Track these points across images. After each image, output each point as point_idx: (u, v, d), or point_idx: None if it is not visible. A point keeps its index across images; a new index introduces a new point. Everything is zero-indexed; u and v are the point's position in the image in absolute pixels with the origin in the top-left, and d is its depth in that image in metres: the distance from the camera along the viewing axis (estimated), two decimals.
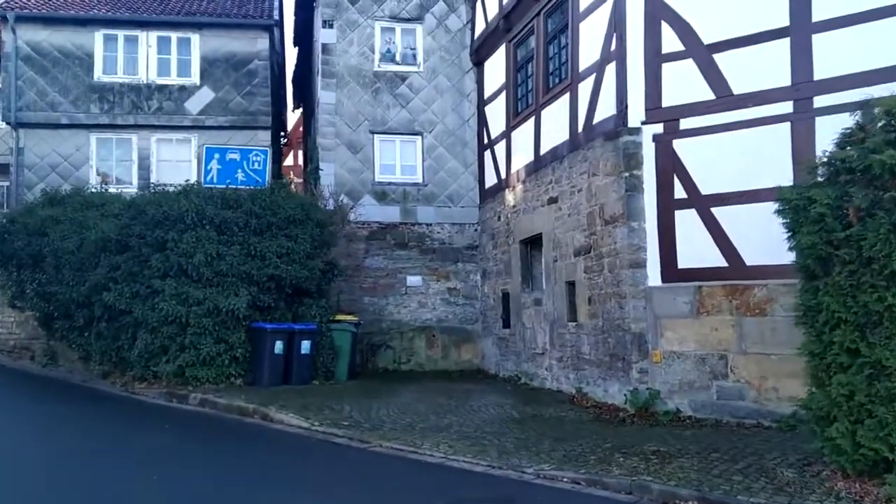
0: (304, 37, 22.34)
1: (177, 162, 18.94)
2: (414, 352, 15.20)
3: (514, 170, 13.60)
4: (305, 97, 24.90)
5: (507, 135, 14.01)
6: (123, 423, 9.08)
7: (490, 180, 15.01)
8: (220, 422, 9.43)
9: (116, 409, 10.02)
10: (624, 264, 9.62)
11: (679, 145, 9.31)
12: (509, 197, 13.78)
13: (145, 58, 18.51)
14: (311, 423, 8.96)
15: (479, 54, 15.49)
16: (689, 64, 9.27)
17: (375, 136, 15.63)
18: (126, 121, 18.44)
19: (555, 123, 11.82)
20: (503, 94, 14.26)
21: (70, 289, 12.09)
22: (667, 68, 9.45)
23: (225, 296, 11.10)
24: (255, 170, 12.22)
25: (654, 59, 9.53)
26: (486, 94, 15.32)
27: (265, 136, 19.14)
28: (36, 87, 18.06)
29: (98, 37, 18.31)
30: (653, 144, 9.51)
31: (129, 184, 17.51)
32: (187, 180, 13.17)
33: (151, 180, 18.41)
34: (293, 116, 28.38)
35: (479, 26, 15.37)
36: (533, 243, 13.05)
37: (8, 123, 18.08)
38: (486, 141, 15.30)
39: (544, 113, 12.26)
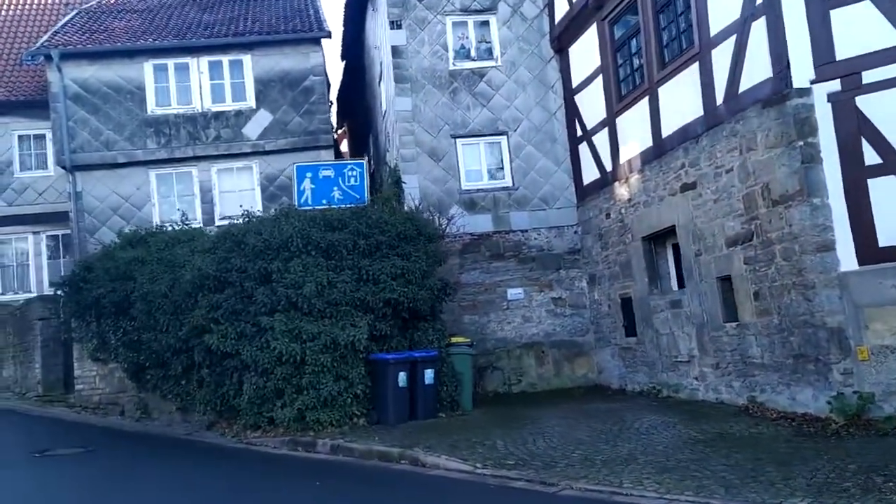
0: (352, 49, 21.41)
1: (239, 192, 18.00)
2: (523, 371, 13.97)
3: (623, 160, 12.38)
4: (353, 114, 23.93)
5: (609, 123, 12.81)
6: (262, 481, 7.94)
7: (589, 176, 13.79)
8: (364, 472, 8.27)
9: (242, 465, 8.90)
10: (806, 249, 8.34)
11: (864, 102, 8.04)
12: (621, 191, 12.55)
13: (198, 85, 17.60)
14: (473, 466, 7.78)
15: (562, 40, 14.33)
16: (866, 6, 8.03)
17: (458, 140, 14.50)
18: (185, 153, 17.53)
19: (679, 100, 10.60)
20: (599, 79, 13.08)
21: (165, 335, 11.06)
22: (837, 15, 8.21)
23: (341, 327, 9.97)
24: (353, 186, 11.15)
25: (819, 5, 8.30)
26: (575, 82, 14.14)
27: (328, 156, 18.10)
28: (88, 126, 17.21)
29: (147, 68, 17.45)
30: (828, 105, 8.26)
31: (194, 220, 16.52)
32: (247, 209, 12.01)
33: (216, 214, 17.54)
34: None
35: (560, 10, 14.21)
36: (657, 239, 11.81)
37: (63, 167, 17.24)
38: (579, 134, 14.11)
39: (662, 91, 11.05)
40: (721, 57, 9.63)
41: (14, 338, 16.71)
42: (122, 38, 17.80)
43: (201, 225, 15.94)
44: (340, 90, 24.48)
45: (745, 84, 9.24)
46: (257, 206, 17.76)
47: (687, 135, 10.46)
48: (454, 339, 11.61)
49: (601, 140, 13.19)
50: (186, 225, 13.53)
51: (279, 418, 10.02)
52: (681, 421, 9.24)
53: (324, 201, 11.10)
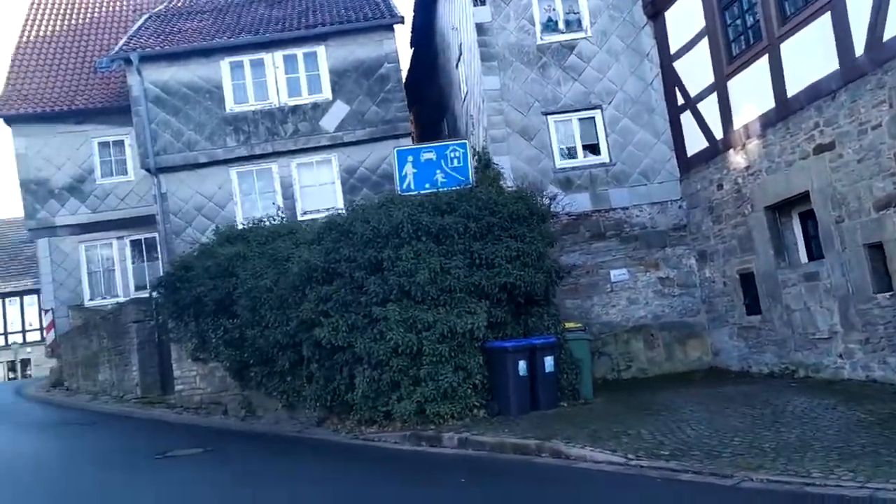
0: (421, 35, 20.94)
1: (319, 186, 17.75)
2: (632, 356, 13.29)
3: (738, 126, 11.56)
4: (420, 102, 23.47)
5: (718, 87, 12.00)
6: (401, 479, 7.52)
7: (695, 145, 12.99)
8: (504, 466, 7.75)
9: (372, 462, 8.48)
10: None
11: None
12: (736, 159, 11.74)
13: (274, 80, 17.37)
14: (625, 457, 7.19)
15: (656, 5, 13.54)
16: None
17: (549, 117, 13.87)
18: (264, 149, 17.33)
19: (807, 56, 9.76)
20: (703, 42, 12.27)
21: (271, 330, 10.75)
22: None
23: (457, 315, 9.48)
24: (457, 167, 10.60)
25: None
26: (673, 48, 13.34)
27: (407, 144, 17.70)
28: (170, 128, 17.14)
29: (224, 66, 17.29)
30: None
31: (272, 217, 16.32)
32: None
33: (297, 209, 17.29)
34: None
35: None
36: (781, 208, 10.98)
37: (147, 170, 17.22)
38: (680, 102, 13.31)
39: (784, 47, 10.21)
40: (858, 4, 8.78)
41: (108, 341, 16.77)
42: (195, 38, 17.67)
43: (284, 221, 15.66)
44: (407, 78, 24.06)
45: (892, 31, 8.38)
46: (338, 200, 17.53)
47: (819, 92, 9.62)
48: (568, 325, 11.02)
49: (708, 107, 12.38)
50: (281, 219, 13.20)
51: (397, 412, 9.59)
52: (839, 402, 8.47)
53: (427, 185, 10.62)
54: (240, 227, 14.49)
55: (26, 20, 23.22)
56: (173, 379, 14.12)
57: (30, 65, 21.60)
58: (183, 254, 13.74)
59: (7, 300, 45.15)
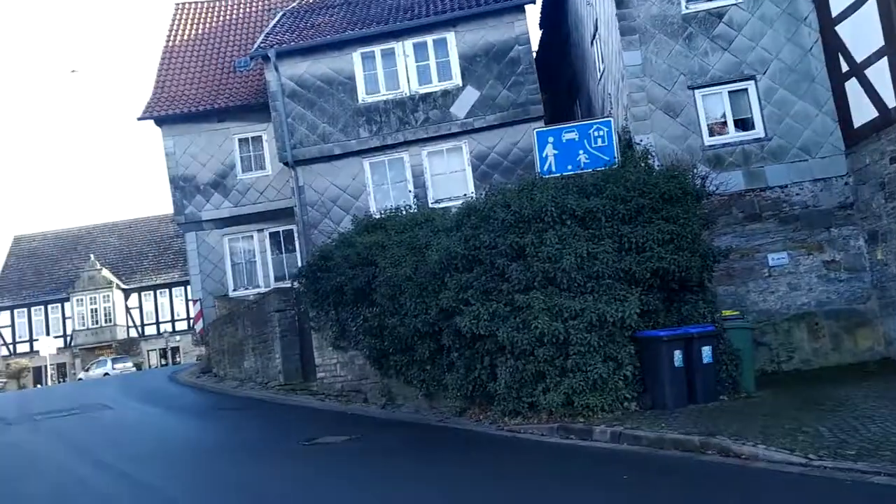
0: (551, 16, 20.34)
1: (450, 173, 17.61)
2: (794, 346, 12.21)
3: None
4: (549, 84, 22.81)
5: (890, 50, 10.73)
6: (553, 476, 7.13)
7: (863, 116, 11.73)
8: (666, 463, 7.21)
9: (522, 456, 8.15)
10: None
11: None
12: None
13: (404, 69, 17.36)
14: (805, 457, 6.48)
15: None
16: None
17: (696, 91, 12.96)
18: (396, 139, 17.39)
19: None
20: (871, 2, 11.03)
21: (411, 319, 10.64)
22: None
23: (606, 302, 8.97)
24: (601, 147, 10.06)
25: None
26: (835, 10, 12.10)
27: (540, 127, 17.21)
28: (305, 121, 17.52)
29: (356, 57, 17.46)
30: None
31: (408, 206, 16.29)
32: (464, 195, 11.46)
33: (428, 198, 17.23)
34: None
35: None
36: None
37: (285, 164, 17.69)
38: (844, 69, 12.07)
39: None
40: None
41: (252, 330, 17.39)
42: (328, 32, 17.96)
43: (415, 210, 15.58)
44: (536, 60, 23.47)
45: None
46: (469, 187, 17.31)
47: None
48: (726, 313, 10.23)
49: (878, 73, 11.13)
50: (416, 207, 13.10)
51: (543, 404, 9.21)
52: None
53: (569, 167, 10.14)
54: (375, 217, 14.56)
55: (170, 27, 24.52)
56: (314, 367, 14.41)
57: (175, 68, 22.78)
58: (322, 244, 13.92)
59: (158, 292, 48.46)
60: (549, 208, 9.17)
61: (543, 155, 10.31)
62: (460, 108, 17.16)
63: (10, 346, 47.66)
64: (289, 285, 18.40)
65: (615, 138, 10.24)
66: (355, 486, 7.20)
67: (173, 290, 47.98)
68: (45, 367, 43.67)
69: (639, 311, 8.98)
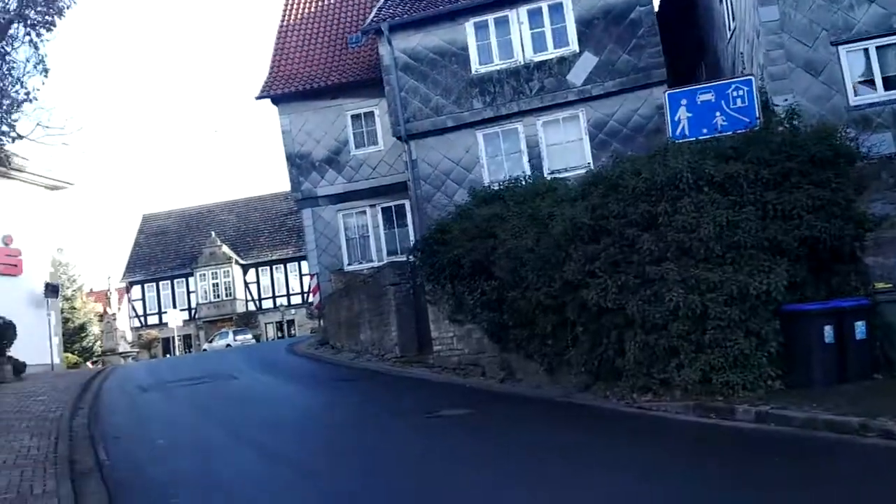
0: None
1: (566, 143, 17.12)
2: None
3: None
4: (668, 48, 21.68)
5: None
6: (703, 456, 6.72)
7: None
8: (822, 446, 6.64)
9: (662, 435, 7.74)
10: None
11: None
12: None
13: (518, 37, 16.94)
14: None
15: None
16: None
17: (840, 47, 11.95)
18: (510, 109, 17.05)
19: None
20: None
21: (533, 292, 10.36)
22: None
23: (748, 274, 8.36)
24: (740, 108, 9.37)
25: None
26: None
27: (661, 93, 16.37)
28: (418, 94, 17.44)
29: (469, 27, 17.19)
30: None
31: (527, 176, 15.91)
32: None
33: (544, 169, 16.81)
34: None
35: None
36: None
37: (398, 138, 17.71)
38: None
39: None
40: None
41: (368, 303, 17.60)
42: (441, 3, 17.74)
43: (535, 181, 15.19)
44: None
45: None
46: (586, 157, 16.76)
47: None
48: (878, 285, 9.35)
49: None
50: (534, 178, 12.75)
51: (676, 380, 8.72)
52: None
53: (704, 130, 9.51)
54: (493, 188, 14.30)
55: (285, 7, 24.99)
56: (430, 340, 14.42)
57: (289, 47, 23.23)
58: (439, 217, 13.82)
59: (274, 267, 50.36)
60: (684, 174, 8.61)
61: (675, 118, 9.70)
62: (577, 75, 16.60)
63: (142, 318, 50.91)
64: (402, 259, 18.52)
65: (756, 98, 9.49)
66: (488, 462, 7.04)
67: (288, 265, 49.76)
68: (173, 338, 46.36)
69: (786, 284, 8.32)
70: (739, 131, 9.22)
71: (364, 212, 21.75)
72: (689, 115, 9.61)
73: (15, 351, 19.95)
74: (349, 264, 21.66)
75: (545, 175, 16.30)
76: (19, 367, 20.06)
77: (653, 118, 16.26)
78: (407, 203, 21.40)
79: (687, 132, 9.63)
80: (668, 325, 8.69)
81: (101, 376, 19.19)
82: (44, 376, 20.70)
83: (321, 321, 23.03)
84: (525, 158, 16.93)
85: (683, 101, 9.73)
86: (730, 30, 14.73)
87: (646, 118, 16.25)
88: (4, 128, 10.23)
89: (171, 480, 7.35)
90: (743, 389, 8.42)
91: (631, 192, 9.07)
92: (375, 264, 21.26)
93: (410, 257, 14.57)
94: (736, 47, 14.45)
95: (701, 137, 9.43)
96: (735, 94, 9.38)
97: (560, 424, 8.66)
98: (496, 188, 12.86)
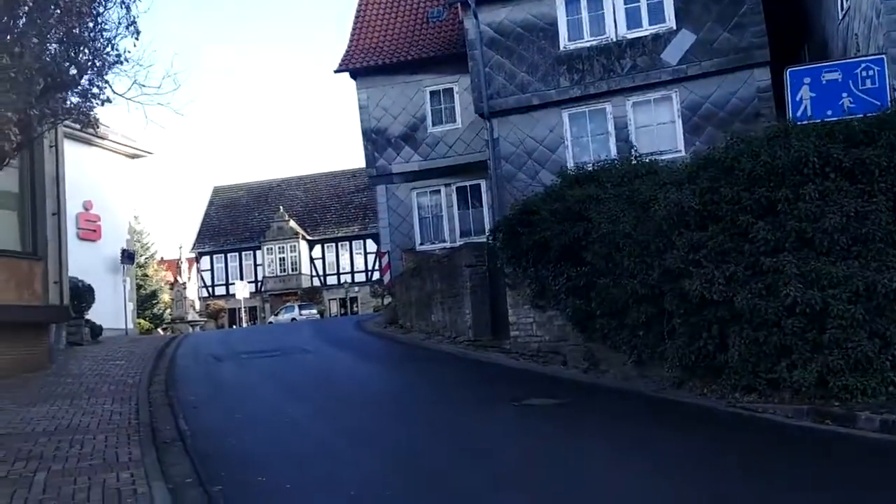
0: None
1: (657, 126, 16.33)
2: None
3: None
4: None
5: None
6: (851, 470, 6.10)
7: None
8: None
9: (782, 443, 7.09)
10: None
11: None
12: None
13: (611, 12, 16.18)
14: None
15: None
16: None
17: None
18: (598, 88, 16.34)
19: None
20: None
21: (629, 280, 9.77)
22: None
23: (875, 270, 7.63)
24: (869, 89, 8.57)
25: None
26: None
27: (762, 75, 15.48)
28: (503, 70, 16.88)
29: (559, 1, 16.51)
30: None
31: (626, 157, 15.17)
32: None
33: (632, 152, 16.07)
34: None
35: None
36: None
37: (481, 115, 17.21)
38: None
39: None
40: None
41: (441, 284, 17.26)
42: None
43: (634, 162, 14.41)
44: None
45: None
46: (678, 141, 15.97)
47: None
48: None
49: None
50: (638, 158, 12.07)
51: (787, 381, 8.06)
52: None
53: (829, 112, 8.73)
54: (585, 169, 13.70)
55: None
56: (507, 324, 14.00)
57: (369, 20, 22.92)
58: (523, 198, 13.30)
59: (339, 244, 50.69)
60: (811, 158, 7.88)
61: (797, 98, 8.94)
62: (672, 54, 15.77)
63: (209, 289, 52.03)
64: (476, 240, 18.11)
65: (887, 79, 8.65)
66: (616, 460, 6.55)
67: (353, 243, 50.02)
68: (239, 309, 47.20)
69: None
70: (870, 114, 8.40)
71: (438, 191, 21.39)
72: (813, 94, 8.84)
73: (92, 315, 20.42)
74: (421, 244, 21.36)
75: (633, 160, 15.61)
76: (96, 331, 20.54)
77: (752, 101, 15.36)
78: (483, 183, 20.96)
79: (810, 113, 8.87)
80: (782, 321, 8.02)
81: (174, 344, 19.42)
82: (119, 340, 21.14)
83: (391, 300, 22.82)
84: (612, 140, 16.23)
85: (807, 80, 8.95)
86: (842, 10, 13.68)
87: (745, 101, 15.34)
88: (94, 90, 10.10)
89: (253, 455, 7.14)
90: (862, 395, 7.72)
91: (747, 175, 8.38)
92: (447, 245, 20.92)
93: (490, 239, 14.10)
94: (849, 28, 13.40)
95: (826, 119, 8.65)
96: (864, 74, 8.58)
97: (665, 423, 8.06)
98: (589, 169, 12.24)
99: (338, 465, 6.58)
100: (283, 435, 8.00)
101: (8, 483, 6.04)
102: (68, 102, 10.15)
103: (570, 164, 16.27)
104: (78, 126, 11.88)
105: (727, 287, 8.51)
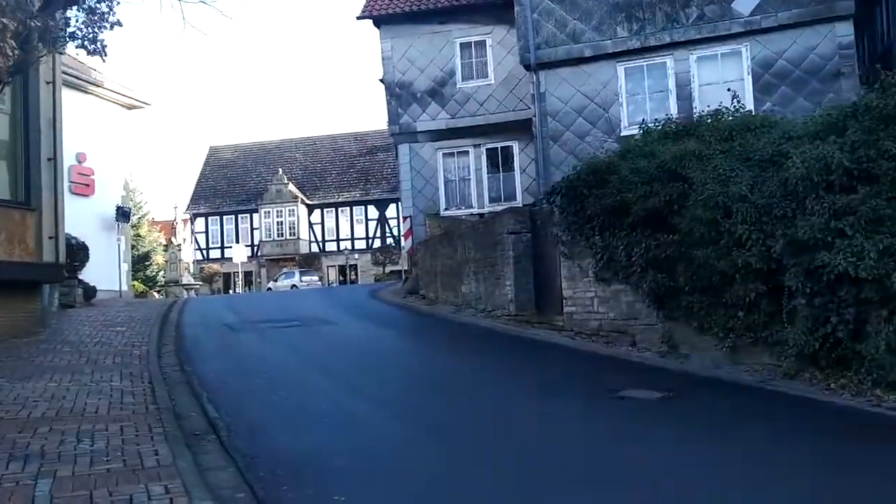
0: None
1: (723, 83, 14.56)
2: None
3: None
4: None
5: None
6: None
7: None
8: None
9: None
10: None
11: None
12: None
13: None
14: None
15: None
16: None
17: None
18: (660, 40, 14.65)
19: None
20: None
21: (741, 251, 8.28)
22: None
23: None
24: None
25: None
26: None
27: (845, 30, 13.87)
28: (553, 17, 15.15)
29: None
30: None
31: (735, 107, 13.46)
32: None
33: (693, 113, 14.49)
34: None
35: None
36: None
37: (527, 66, 15.50)
38: None
39: None
40: None
41: (475, 252, 15.68)
42: None
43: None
44: None
45: None
46: (746, 101, 14.33)
47: None
48: None
49: None
50: (735, 110, 10.47)
51: None
52: None
53: None
54: (623, 133, 12.20)
55: None
56: (555, 299, 12.51)
57: None
58: (591, 156, 11.72)
59: (340, 210, 48.90)
60: None
61: None
62: (745, 4, 14.13)
63: (204, 252, 50.20)
64: (509, 206, 16.58)
65: None
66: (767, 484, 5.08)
67: (354, 209, 48.25)
68: (235, 273, 45.49)
69: None
70: None
71: (466, 152, 19.74)
72: None
73: (85, 275, 18.77)
74: (446, 209, 19.76)
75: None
76: (90, 292, 18.93)
77: (832, 59, 13.78)
78: (515, 145, 19.35)
79: None
80: None
81: (176, 308, 17.83)
82: (114, 303, 19.53)
83: (412, 268, 21.22)
84: (672, 98, 14.63)
85: None
86: None
87: (824, 58, 13.76)
88: (103, 7, 8.53)
89: (318, 462, 5.60)
90: None
91: None
92: (475, 211, 19.36)
93: (544, 202, 12.55)
94: None
95: None
96: None
97: (828, 430, 6.51)
98: (688, 123, 10.65)
99: (444, 483, 5.06)
100: (352, 437, 6.35)
101: (1, 494, 4.50)
102: (72, 24, 8.74)
103: (625, 123, 14.69)
104: (77, 55, 10.19)
105: (879, 262, 7.03)
